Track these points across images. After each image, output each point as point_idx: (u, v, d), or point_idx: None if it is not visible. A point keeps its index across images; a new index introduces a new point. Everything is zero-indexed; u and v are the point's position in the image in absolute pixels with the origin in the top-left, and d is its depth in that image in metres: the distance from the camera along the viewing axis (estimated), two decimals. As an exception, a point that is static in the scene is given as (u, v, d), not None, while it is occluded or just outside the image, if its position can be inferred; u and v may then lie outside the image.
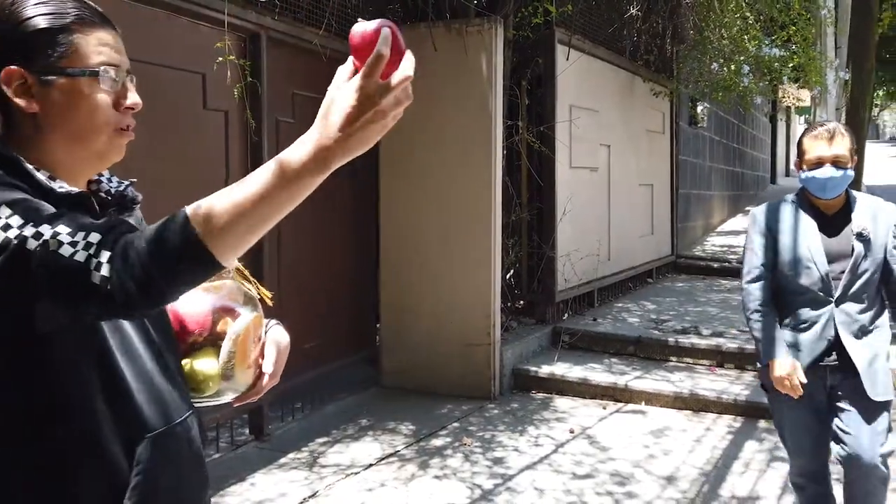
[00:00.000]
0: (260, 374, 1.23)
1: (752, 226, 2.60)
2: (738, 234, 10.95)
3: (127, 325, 1.06)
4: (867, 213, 2.47)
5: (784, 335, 2.51)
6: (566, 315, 5.97)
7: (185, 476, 1.11)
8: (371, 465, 3.74)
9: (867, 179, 16.80)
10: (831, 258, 2.44)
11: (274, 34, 4.04)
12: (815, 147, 2.41)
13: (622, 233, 6.98)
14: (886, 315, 2.53)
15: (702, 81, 7.29)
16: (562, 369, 5.03)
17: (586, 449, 3.98)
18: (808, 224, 2.48)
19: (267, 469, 3.67)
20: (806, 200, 2.51)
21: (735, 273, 8.31)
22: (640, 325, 5.90)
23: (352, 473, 3.64)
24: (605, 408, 4.65)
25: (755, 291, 2.55)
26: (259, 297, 1.27)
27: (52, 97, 1.02)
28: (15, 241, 0.88)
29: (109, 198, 1.13)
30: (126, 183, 1.18)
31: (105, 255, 0.86)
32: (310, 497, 3.39)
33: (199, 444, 1.15)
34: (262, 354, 1.24)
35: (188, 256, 0.87)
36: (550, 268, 5.69)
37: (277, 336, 1.29)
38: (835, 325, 2.44)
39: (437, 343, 4.86)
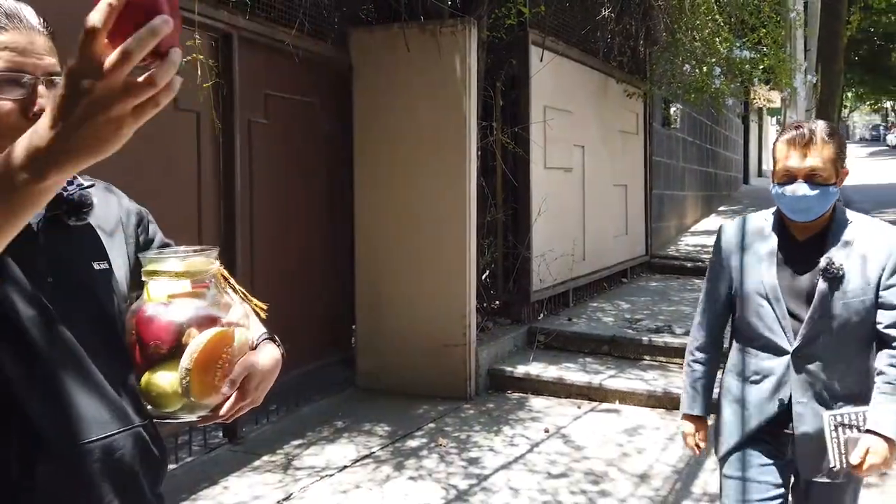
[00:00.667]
0: (226, 398, 1.11)
1: (714, 246, 2.10)
2: (711, 234, 11.05)
3: (38, 335, 1.00)
4: (850, 241, 1.88)
5: (731, 387, 2.03)
6: (542, 315, 6.00)
7: (102, 498, 1.05)
8: (346, 466, 3.73)
9: (837, 179, 17.04)
10: (793, 297, 1.90)
11: (246, 34, 4.01)
12: (787, 155, 1.87)
13: (597, 233, 7.03)
14: (874, 384, 1.88)
15: (674, 83, 7.37)
16: (537, 369, 5.05)
17: (561, 448, 4.01)
18: (768, 251, 1.94)
19: (240, 472, 3.64)
20: (780, 219, 1.97)
21: (708, 272, 8.39)
22: (615, 324, 5.95)
23: (326, 475, 3.62)
24: (579, 407, 4.68)
25: (696, 332, 2.13)
26: (248, 308, 1.19)
27: None
28: None
29: (59, 201, 1.09)
30: (85, 185, 1.14)
31: None
32: (284, 499, 3.37)
33: (130, 463, 1.08)
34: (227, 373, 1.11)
35: None
36: (526, 268, 5.71)
37: (260, 355, 1.18)
38: (790, 384, 1.90)
39: (413, 344, 4.86)
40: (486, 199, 5.42)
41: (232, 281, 1.18)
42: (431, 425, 4.34)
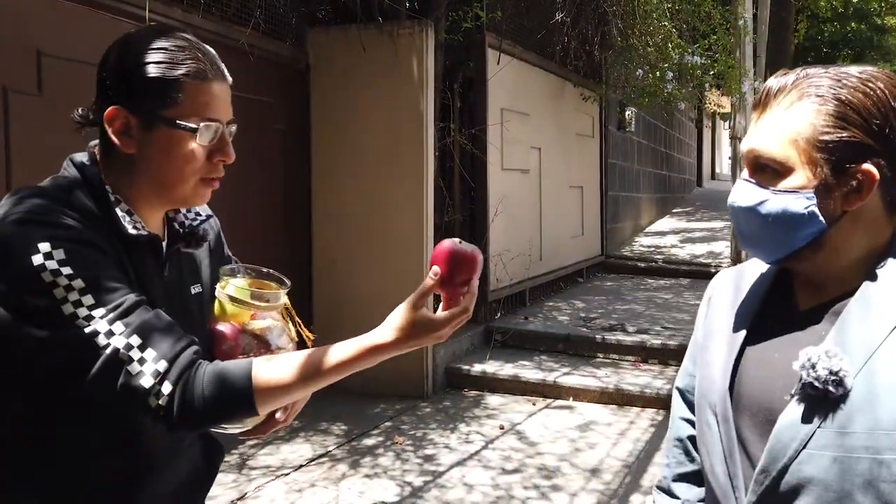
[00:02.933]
0: (271, 416, 1.22)
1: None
2: (665, 235, 11.35)
3: None
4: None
5: None
6: (499, 314, 6.08)
7: (182, 497, 1.23)
8: (301, 465, 3.74)
9: (786, 183, 17.59)
10: (758, 421, 0.97)
11: (201, 32, 3.98)
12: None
13: (553, 233, 7.14)
14: None
15: (628, 87, 7.53)
16: (493, 367, 5.12)
17: (515, 444, 4.07)
18: (740, 326, 1.03)
19: (194, 473, 3.62)
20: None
21: (661, 273, 8.60)
22: (570, 322, 6.06)
23: (282, 475, 3.63)
24: (534, 404, 4.76)
25: (668, 451, 1.19)
26: (298, 338, 1.31)
27: (150, 142, 1.08)
28: (85, 329, 0.97)
29: (182, 230, 1.20)
30: (202, 217, 1.23)
31: (167, 387, 0.97)
32: (238, 499, 3.36)
33: (203, 469, 1.26)
34: None
35: (238, 410, 1.03)
36: (483, 268, 5.76)
37: None
38: None
39: (369, 343, 4.87)
40: (443, 199, 5.47)
41: (293, 312, 1.33)
42: (388, 424, 4.37)
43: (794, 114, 0.93)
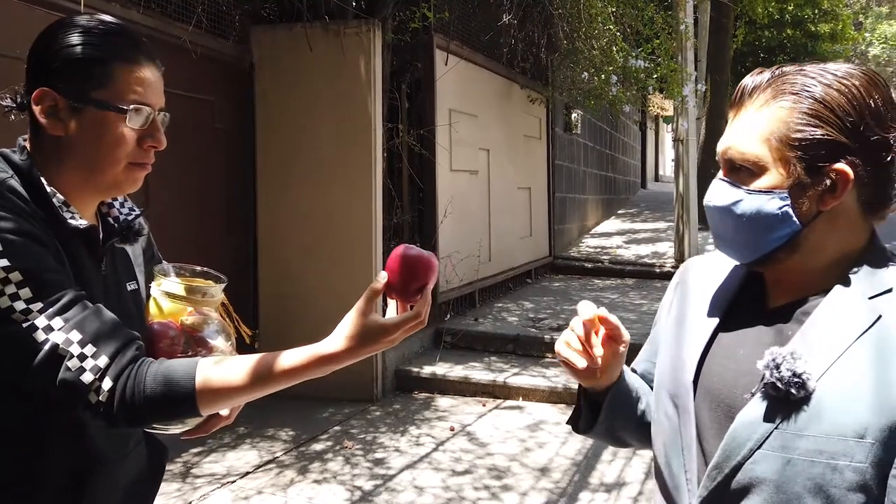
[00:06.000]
0: (215, 414, 1.21)
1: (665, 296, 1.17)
2: (610, 236, 11.55)
3: None
4: (865, 326, 0.88)
5: None
6: (448, 315, 6.07)
7: (144, 500, 1.24)
8: (248, 472, 3.65)
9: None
10: (717, 415, 0.95)
11: (140, 29, 3.86)
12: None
13: (502, 234, 7.18)
14: None
15: (574, 89, 7.62)
16: (443, 369, 5.11)
17: (465, 446, 4.07)
18: (709, 317, 1.01)
19: (136, 483, 3.50)
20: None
21: (607, 273, 8.75)
22: (519, 323, 6.09)
23: (227, 482, 3.54)
24: (484, 405, 4.77)
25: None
26: (237, 334, 1.30)
27: (79, 124, 1.06)
28: (23, 325, 0.94)
29: (116, 224, 1.18)
30: (136, 213, 1.22)
31: (107, 383, 0.96)
32: (182, 509, 3.27)
33: (150, 467, 1.24)
34: None
35: (180, 410, 1.01)
36: (432, 269, 5.76)
37: None
38: None
39: (317, 347, 4.80)
40: (392, 200, 5.44)
41: (230, 308, 1.32)
42: (337, 428, 4.32)
43: (767, 112, 0.92)
